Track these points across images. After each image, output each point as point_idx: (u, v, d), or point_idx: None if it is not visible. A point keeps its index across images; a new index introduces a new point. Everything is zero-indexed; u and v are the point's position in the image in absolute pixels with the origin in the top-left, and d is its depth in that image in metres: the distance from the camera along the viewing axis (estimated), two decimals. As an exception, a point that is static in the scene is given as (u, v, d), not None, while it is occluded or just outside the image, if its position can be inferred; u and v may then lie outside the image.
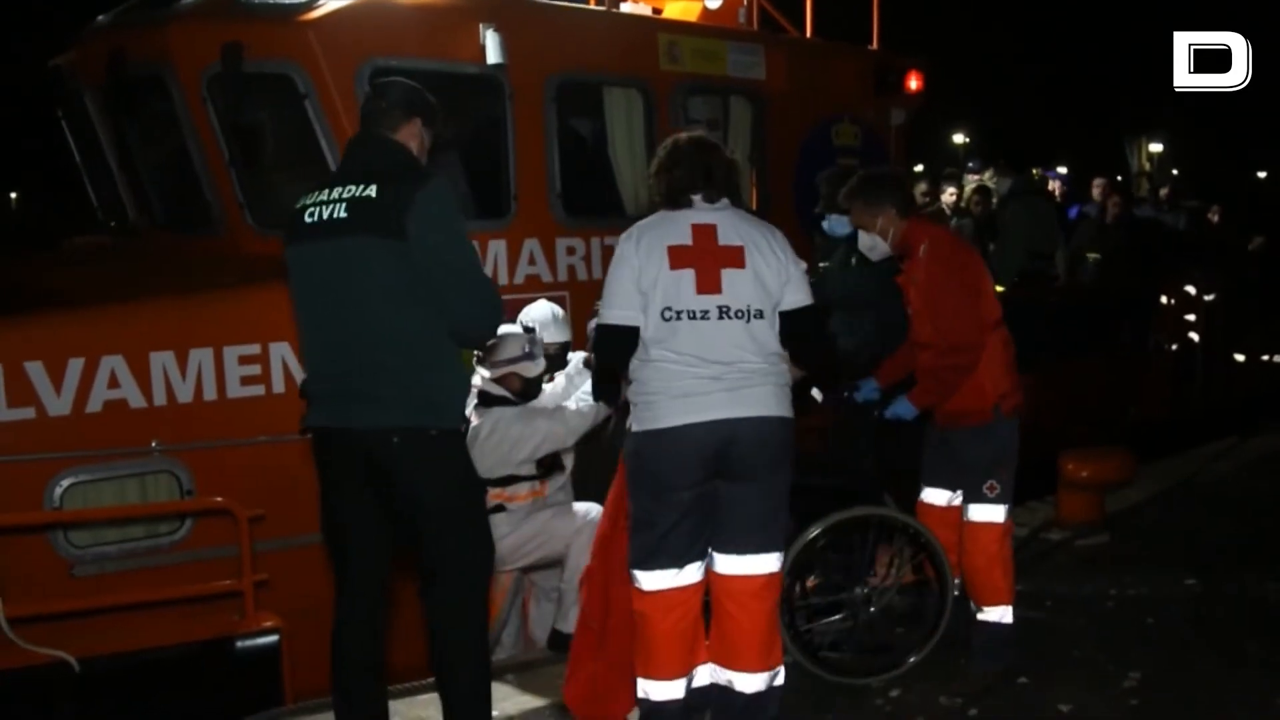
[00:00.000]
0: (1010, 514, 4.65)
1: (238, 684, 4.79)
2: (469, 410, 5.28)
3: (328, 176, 3.66)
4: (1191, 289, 10.94)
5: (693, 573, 3.73)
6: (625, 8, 7.33)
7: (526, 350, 5.22)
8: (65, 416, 5.05)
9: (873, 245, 4.73)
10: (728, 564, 3.73)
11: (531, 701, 4.51)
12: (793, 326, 3.74)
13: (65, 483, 5.08)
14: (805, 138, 7.82)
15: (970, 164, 11.49)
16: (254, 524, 4.88)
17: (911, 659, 4.57)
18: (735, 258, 3.65)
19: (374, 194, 3.47)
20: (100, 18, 6.42)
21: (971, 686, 4.51)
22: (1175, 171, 33.37)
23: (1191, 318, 10.97)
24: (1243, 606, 5.34)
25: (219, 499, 4.94)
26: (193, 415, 5.31)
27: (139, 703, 4.76)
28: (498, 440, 5.08)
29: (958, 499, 4.75)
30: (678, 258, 3.62)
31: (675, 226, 3.69)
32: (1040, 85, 52.00)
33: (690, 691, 3.83)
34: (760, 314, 3.65)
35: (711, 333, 3.60)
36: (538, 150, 6.33)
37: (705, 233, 3.67)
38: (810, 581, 4.83)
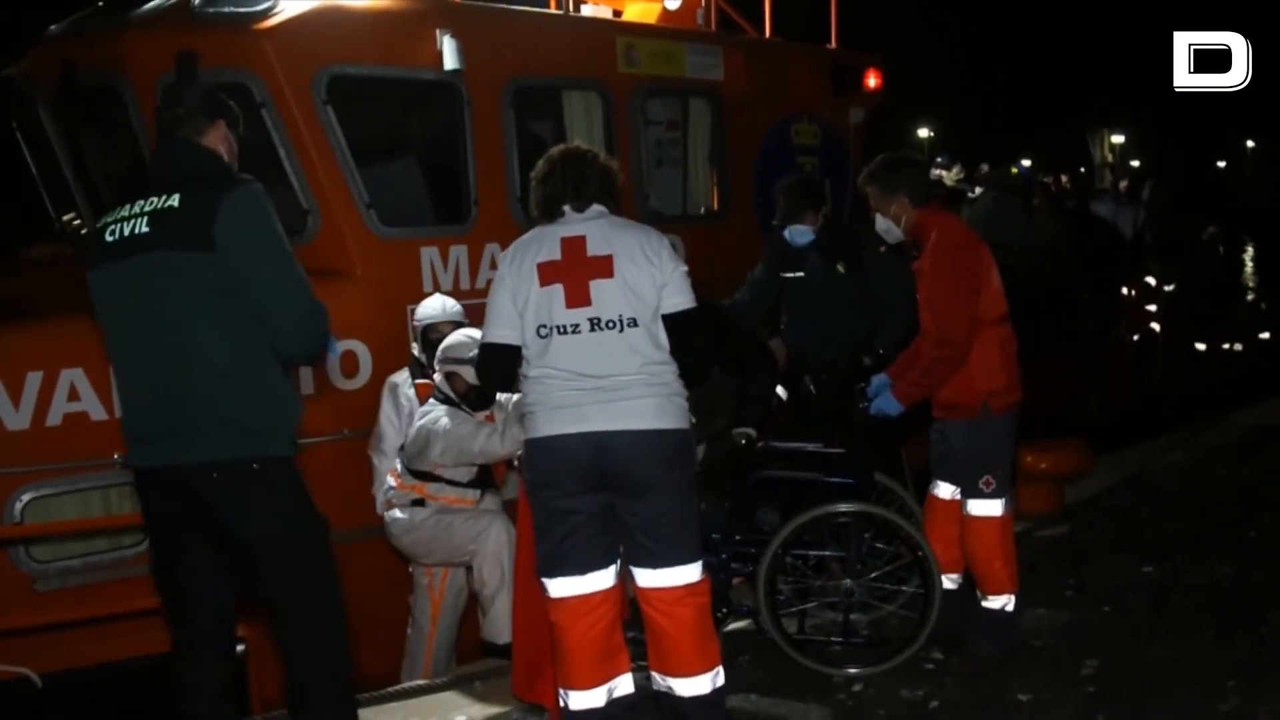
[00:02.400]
0: (1009, 506, 4.70)
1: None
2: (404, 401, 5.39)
3: (129, 191, 3.35)
4: (1151, 280, 11.11)
5: (598, 580, 3.72)
6: (586, 10, 7.36)
7: (471, 357, 5.24)
8: (25, 431, 5.03)
9: (887, 229, 4.77)
10: (643, 577, 3.73)
11: (496, 708, 4.52)
12: (671, 330, 3.69)
13: (26, 497, 5.07)
14: (765, 137, 7.86)
15: (938, 158, 11.60)
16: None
17: (902, 653, 4.63)
18: (604, 268, 3.63)
19: (177, 204, 3.20)
20: (53, 27, 6.38)
21: (969, 665, 4.62)
22: (1135, 163, 33.82)
23: (1153, 308, 11.15)
24: (1198, 593, 5.42)
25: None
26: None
27: (103, 717, 4.75)
28: (419, 434, 5.13)
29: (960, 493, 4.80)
30: (547, 274, 3.64)
31: (546, 242, 3.70)
32: (1005, 78, 52.36)
33: (612, 702, 3.79)
34: (634, 322, 3.62)
35: (585, 346, 3.60)
36: (497, 155, 6.34)
37: (574, 245, 3.66)
38: (791, 574, 4.93)
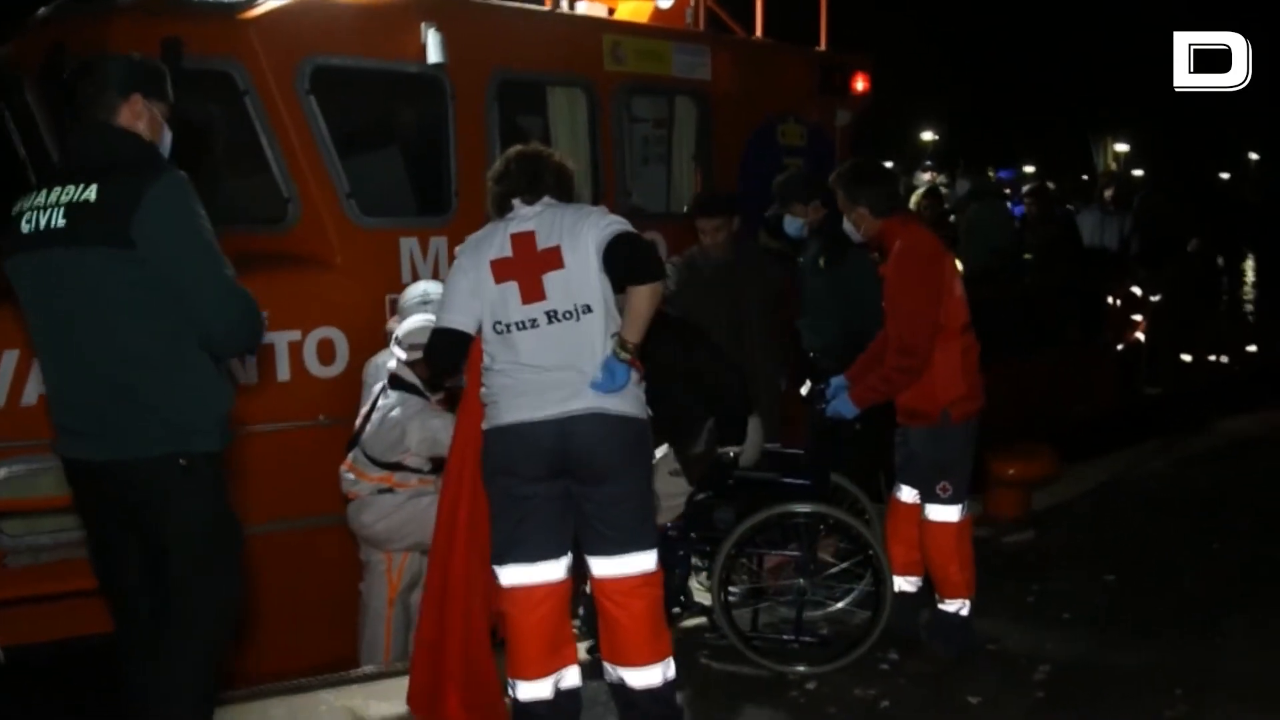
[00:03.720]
0: (966, 512, 4.76)
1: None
2: (376, 388, 5.42)
3: (46, 175, 3.24)
4: (1137, 290, 11.16)
5: (549, 570, 3.81)
6: (581, 7, 7.39)
7: None
8: (0, 409, 5.08)
9: (851, 229, 4.88)
10: (599, 566, 3.81)
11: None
12: (611, 254, 3.66)
13: (0, 474, 5.11)
14: (750, 137, 7.91)
15: (927, 162, 11.71)
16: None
17: (854, 652, 4.70)
18: (554, 260, 3.68)
19: (94, 197, 3.09)
20: (41, 10, 6.43)
21: (924, 667, 4.69)
22: (1138, 172, 33.76)
23: (1138, 318, 11.19)
24: (1158, 601, 5.47)
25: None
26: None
27: (74, 690, 4.81)
28: (391, 426, 5.18)
29: None
30: (500, 271, 3.71)
31: (497, 239, 3.76)
32: (1009, 83, 52.35)
33: (559, 693, 3.88)
34: (589, 308, 3.68)
35: (542, 339, 3.69)
36: (479, 148, 6.38)
37: (524, 241, 3.72)
38: (744, 574, 5.01)
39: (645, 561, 3.81)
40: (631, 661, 3.84)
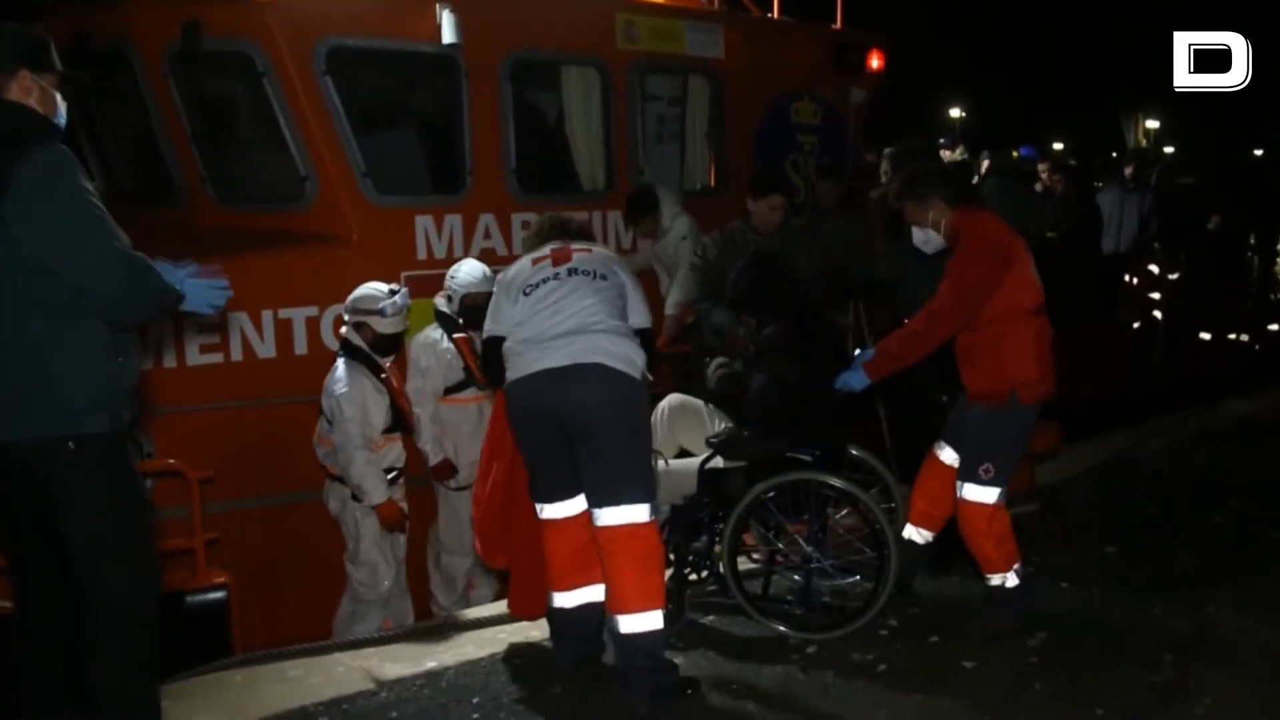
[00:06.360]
0: (1004, 496, 4.78)
1: (189, 636, 5.01)
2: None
3: None
4: (1155, 268, 11.14)
5: (569, 507, 4.27)
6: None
7: (380, 308, 5.49)
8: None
9: (926, 240, 4.83)
10: (595, 515, 4.13)
11: (472, 654, 4.74)
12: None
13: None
14: (764, 115, 8.00)
15: (941, 140, 11.71)
16: (205, 485, 5.12)
17: (857, 620, 4.80)
18: (584, 250, 4.38)
19: None
20: (61, -8, 6.59)
21: (988, 631, 4.81)
22: (1169, 149, 33.41)
23: (1156, 296, 11.18)
24: (1155, 573, 5.53)
25: (171, 461, 5.17)
26: (153, 382, 5.53)
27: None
28: (330, 396, 5.45)
29: None
30: (538, 260, 4.35)
31: (537, 252, 4.41)
32: (1039, 59, 51.84)
33: (582, 604, 4.40)
34: (605, 278, 4.25)
35: (559, 287, 4.19)
36: (493, 127, 6.53)
37: (560, 248, 4.39)
38: (750, 537, 5.17)
39: (633, 514, 4.07)
40: (619, 608, 4.11)
